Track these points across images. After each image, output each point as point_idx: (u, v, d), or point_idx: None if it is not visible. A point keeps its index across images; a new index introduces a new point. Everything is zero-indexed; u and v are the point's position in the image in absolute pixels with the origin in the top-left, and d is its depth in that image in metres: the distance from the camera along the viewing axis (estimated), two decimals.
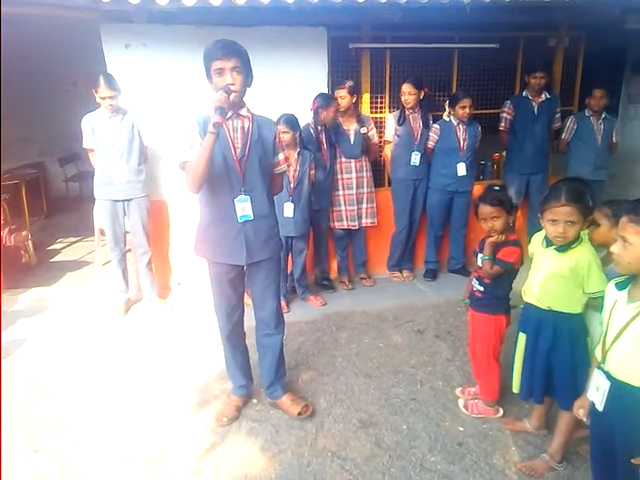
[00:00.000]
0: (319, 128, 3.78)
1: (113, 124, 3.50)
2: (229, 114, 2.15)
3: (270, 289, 2.46)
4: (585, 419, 1.74)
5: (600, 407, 1.62)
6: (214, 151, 2.10)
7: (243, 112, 2.24)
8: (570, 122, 4.41)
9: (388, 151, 4.24)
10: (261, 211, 2.31)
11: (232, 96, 2.10)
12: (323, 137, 3.82)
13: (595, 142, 4.36)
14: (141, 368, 3.03)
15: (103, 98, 3.39)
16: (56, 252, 5.31)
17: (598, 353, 1.67)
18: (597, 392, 1.63)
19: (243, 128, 2.24)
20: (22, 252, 4.68)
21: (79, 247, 5.43)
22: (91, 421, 2.56)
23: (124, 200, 3.61)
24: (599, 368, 1.65)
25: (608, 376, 1.60)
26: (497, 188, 2.41)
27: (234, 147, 2.22)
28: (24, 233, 4.70)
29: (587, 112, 4.35)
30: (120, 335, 3.47)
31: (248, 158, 2.24)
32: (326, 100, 3.71)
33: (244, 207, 2.25)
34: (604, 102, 4.27)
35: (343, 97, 3.83)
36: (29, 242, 4.76)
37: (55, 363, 3.10)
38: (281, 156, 2.39)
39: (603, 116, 4.35)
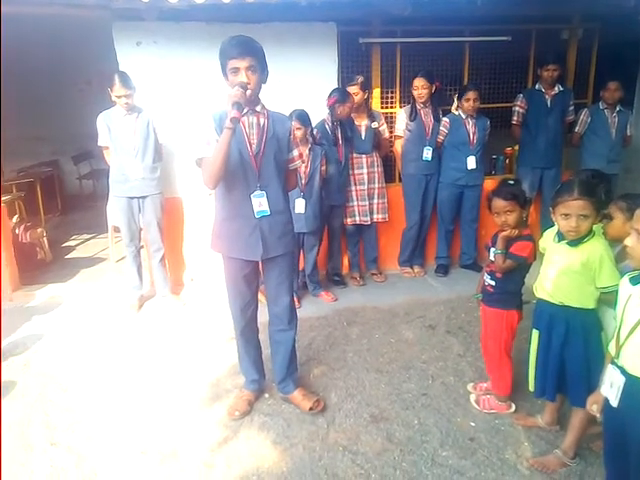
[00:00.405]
0: (335, 123, 3.78)
1: (129, 122, 3.53)
2: (245, 110, 2.16)
3: (284, 285, 2.48)
4: (599, 415, 1.73)
5: (614, 403, 1.60)
6: (231, 147, 2.11)
7: (258, 108, 2.25)
8: (584, 115, 4.35)
9: (399, 146, 4.22)
10: (277, 207, 2.32)
11: (248, 92, 2.11)
12: (339, 132, 3.81)
13: (609, 135, 4.29)
14: (154, 363, 3.07)
15: (119, 97, 3.42)
16: (71, 249, 5.38)
17: (612, 348, 1.65)
18: (611, 388, 1.61)
19: (259, 124, 2.25)
20: (37, 249, 4.76)
21: (93, 244, 5.49)
22: (106, 415, 2.60)
23: (139, 197, 3.65)
24: (613, 363, 1.63)
25: (622, 371, 1.58)
26: (511, 182, 2.40)
27: (250, 143, 2.23)
28: (39, 230, 4.79)
29: (601, 105, 4.29)
30: (134, 331, 3.51)
31: (264, 154, 2.25)
32: (343, 95, 3.70)
33: (260, 202, 2.27)
34: (618, 94, 4.20)
35: (356, 93, 3.82)
36: (44, 239, 4.85)
37: (71, 358, 3.15)
38: (295, 152, 2.40)
39: (617, 109, 4.28)
